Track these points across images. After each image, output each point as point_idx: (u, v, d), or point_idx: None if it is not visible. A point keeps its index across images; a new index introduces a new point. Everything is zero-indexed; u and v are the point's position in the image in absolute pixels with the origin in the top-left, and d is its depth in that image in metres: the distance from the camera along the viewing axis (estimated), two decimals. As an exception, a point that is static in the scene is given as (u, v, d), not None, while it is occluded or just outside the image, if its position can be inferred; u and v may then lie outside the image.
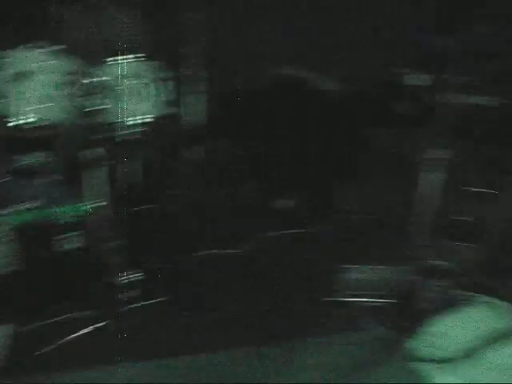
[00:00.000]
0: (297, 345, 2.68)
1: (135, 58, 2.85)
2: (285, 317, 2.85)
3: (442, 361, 2.52)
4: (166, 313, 2.85)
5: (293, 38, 3.56)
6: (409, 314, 2.84)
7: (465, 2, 3.03)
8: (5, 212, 2.73)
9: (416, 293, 2.89)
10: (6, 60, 2.65)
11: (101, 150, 2.80)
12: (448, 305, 2.77)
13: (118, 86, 2.80)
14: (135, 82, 2.85)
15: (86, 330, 2.71)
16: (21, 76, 2.66)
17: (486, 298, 2.71)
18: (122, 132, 2.85)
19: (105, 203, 2.81)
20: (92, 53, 2.87)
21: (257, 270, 3.15)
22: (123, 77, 2.82)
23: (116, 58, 2.82)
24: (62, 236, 2.80)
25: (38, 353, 2.56)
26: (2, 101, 2.64)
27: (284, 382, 2.45)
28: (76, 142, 2.83)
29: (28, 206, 2.76)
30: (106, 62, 2.81)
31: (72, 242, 2.82)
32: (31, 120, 2.68)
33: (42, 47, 2.71)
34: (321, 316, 2.86)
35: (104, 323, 2.75)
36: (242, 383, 2.46)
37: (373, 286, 2.96)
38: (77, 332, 2.70)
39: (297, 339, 2.72)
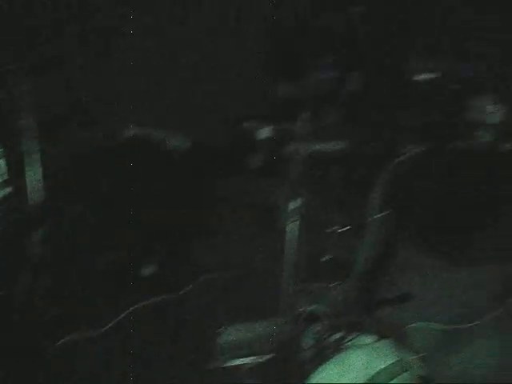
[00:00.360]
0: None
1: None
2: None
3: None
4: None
5: (139, 97, 3.49)
6: (291, 366, 2.78)
7: (308, 49, 3.16)
8: None
9: (295, 343, 2.85)
10: None
11: None
12: (329, 350, 2.75)
13: None
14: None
15: None
16: None
17: (367, 338, 2.73)
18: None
19: None
20: None
21: (127, 348, 2.94)
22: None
23: None
24: None
25: None
26: None
27: None
28: None
29: None
30: None
31: None
32: None
33: None
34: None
35: None
36: None
37: (251, 344, 2.88)
38: None
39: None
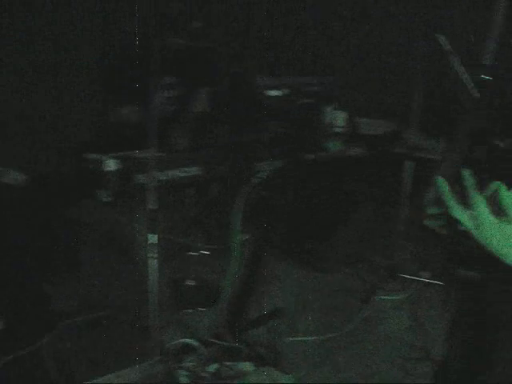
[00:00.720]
0: None
1: None
2: None
3: None
4: None
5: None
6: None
7: (150, 69, 3.01)
8: None
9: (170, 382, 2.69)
10: None
11: None
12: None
13: None
14: None
15: None
16: None
17: (245, 365, 2.64)
18: None
19: None
20: None
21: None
22: None
23: None
24: None
25: None
26: None
27: None
28: None
29: None
30: None
31: None
32: None
33: None
34: None
35: None
36: None
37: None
38: None
39: None
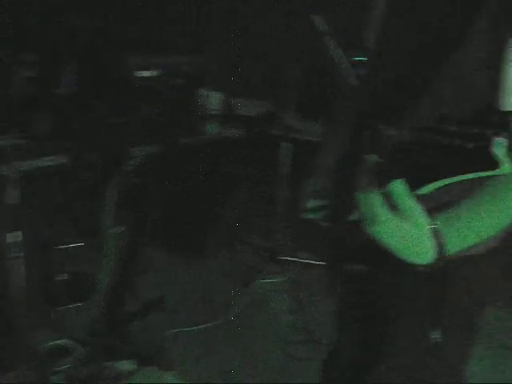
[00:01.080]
0: None
1: None
2: None
3: None
4: None
5: None
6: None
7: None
8: None
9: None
10: None
11: None
12: None
13: None
14: None
15: None
16: None
17: (126, 364, 2.50)
18: None
19: None
20: None
21: None
22: None
23: None
24: None
25: None
26: None
27: None
28: None
29: None
30: None
31: None
32: None
33: None
34: None
35: None
36: None
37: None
38: None
39: None
